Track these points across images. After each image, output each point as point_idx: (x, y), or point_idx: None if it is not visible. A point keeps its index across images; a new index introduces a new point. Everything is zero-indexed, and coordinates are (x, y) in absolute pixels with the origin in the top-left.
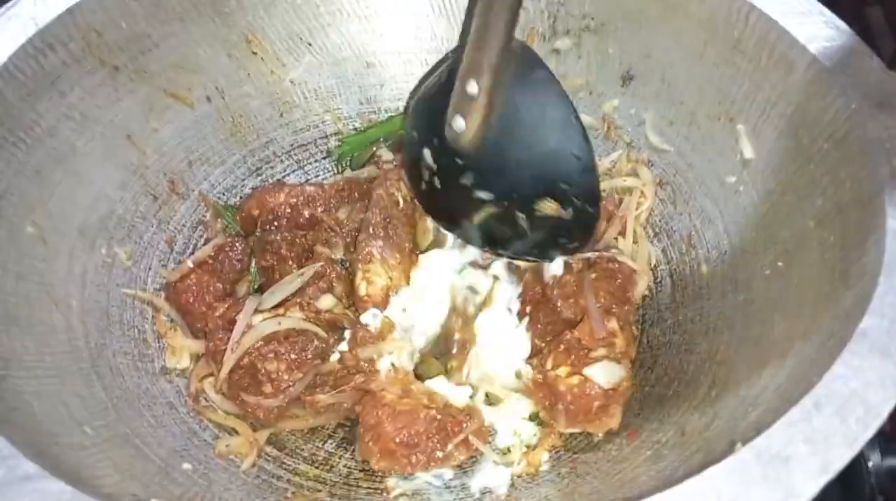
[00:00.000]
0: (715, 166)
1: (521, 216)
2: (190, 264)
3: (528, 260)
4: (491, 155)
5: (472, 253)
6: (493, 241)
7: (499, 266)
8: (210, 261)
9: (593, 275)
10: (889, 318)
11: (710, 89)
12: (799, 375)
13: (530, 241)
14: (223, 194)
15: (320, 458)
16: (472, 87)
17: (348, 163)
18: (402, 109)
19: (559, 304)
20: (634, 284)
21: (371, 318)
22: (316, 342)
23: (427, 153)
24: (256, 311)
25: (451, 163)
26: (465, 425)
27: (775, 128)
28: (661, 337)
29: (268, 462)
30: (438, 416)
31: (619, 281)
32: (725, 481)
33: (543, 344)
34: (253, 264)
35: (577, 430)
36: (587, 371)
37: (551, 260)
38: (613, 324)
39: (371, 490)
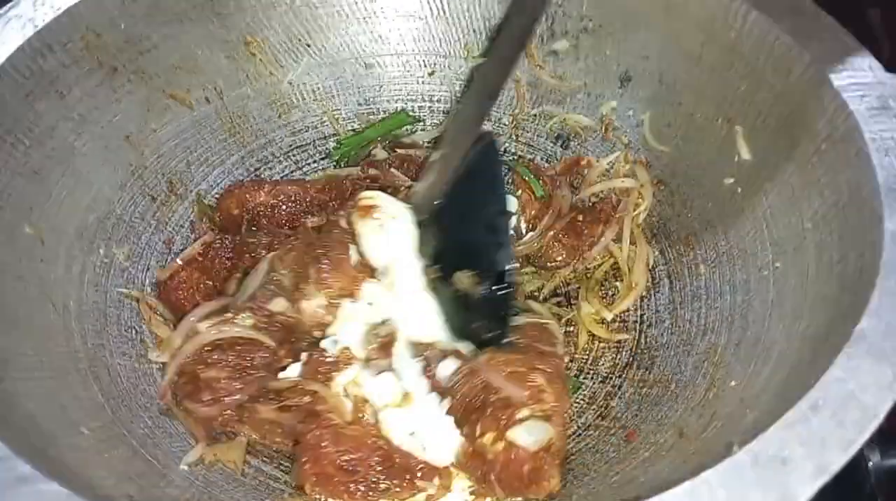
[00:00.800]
0: (712, 167)
1: (447, 287)
2: (179, 262)
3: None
4: (433, 224)
5: None
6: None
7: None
8: (200, 259)
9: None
10: (886, 320)
11: (707, 91)
12: (796, 377)
13: (459, 317)
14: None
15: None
16: (435, 155)
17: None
18: (399, 109)
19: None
20: (555, 339)
21: (331, 345)
22: (262, 353)
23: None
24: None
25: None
26: (416, 465)
27: (773, 129)
28: (659, 338)
29: (265, 463)
30: (385, 446)
31: (529, 340)
32: (722, 483)
33: (472, 413)
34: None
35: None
36: (510, 434)
37: (479, 347)
38: (539, 379)
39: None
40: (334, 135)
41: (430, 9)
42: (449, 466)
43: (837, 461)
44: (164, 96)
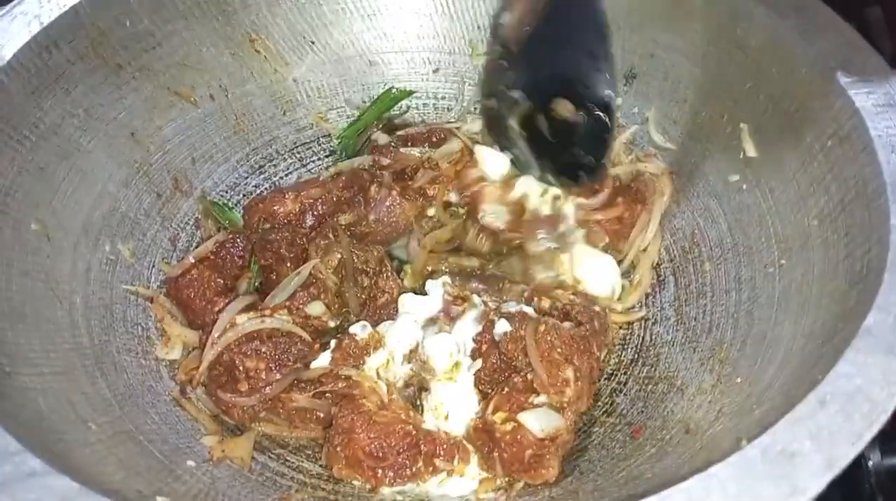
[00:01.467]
0: (718, 164)
1: (542, 119)
2: (191, 259)
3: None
4: (525, 53)
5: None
6: (536, 152)
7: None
8: (211, 257)
9: (566, 324)
10: (894, 316)
11: (713, 88)
12: (803, 372)
13: (554, 152)
14: (226, 192)
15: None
16: None
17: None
18: (404, 107)
19: (508, 355)
20: (604, 338)
21: (360, 329)
22: (300, 345)
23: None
24: (251, 309)
25: (499, 68)
26: (440, 449)
27: (778, 126)
28: (664, 335)
29: (271, 459)
30: (414, 432)
31: (586, 332)
32: (731, 477)
33: (491, 391)
34: (254, 261)
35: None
36: (521, 416)
37: (577, 183)
38: (568, 374)
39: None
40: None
41: (435, 6)
42: (464, 441)
43: (846, 455)
44: (168, 93)
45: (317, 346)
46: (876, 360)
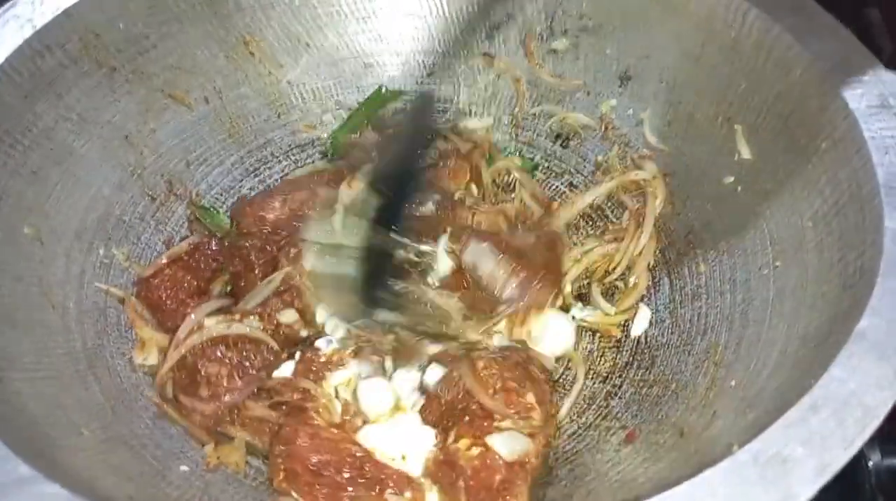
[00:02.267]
0: (713, 166)
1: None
2: (164, 260)
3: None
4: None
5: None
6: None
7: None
8: (185, 258)
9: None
10: (887, 319)
11: (707, 89)
12: (797, 376)
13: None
14: (220, 195)
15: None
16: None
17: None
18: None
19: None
20: (542, 366)
21: (324, 344)
22: (265, 354)
23: None
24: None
25: None
26: (389, 481)
27: (773, 128)
28: (659, 338)
29: (265, 464)
30: (360, 455)
31: (521, 367)
32: (723, 483)
33: (450, 418)
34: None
35: None
36: (489, 439)
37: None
38: (530, 398)
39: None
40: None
41: (429, 8)
42: (421, 478)
43: (838, 460)
44: (162, 96)
45: (284, 355)
46: (869, 365)
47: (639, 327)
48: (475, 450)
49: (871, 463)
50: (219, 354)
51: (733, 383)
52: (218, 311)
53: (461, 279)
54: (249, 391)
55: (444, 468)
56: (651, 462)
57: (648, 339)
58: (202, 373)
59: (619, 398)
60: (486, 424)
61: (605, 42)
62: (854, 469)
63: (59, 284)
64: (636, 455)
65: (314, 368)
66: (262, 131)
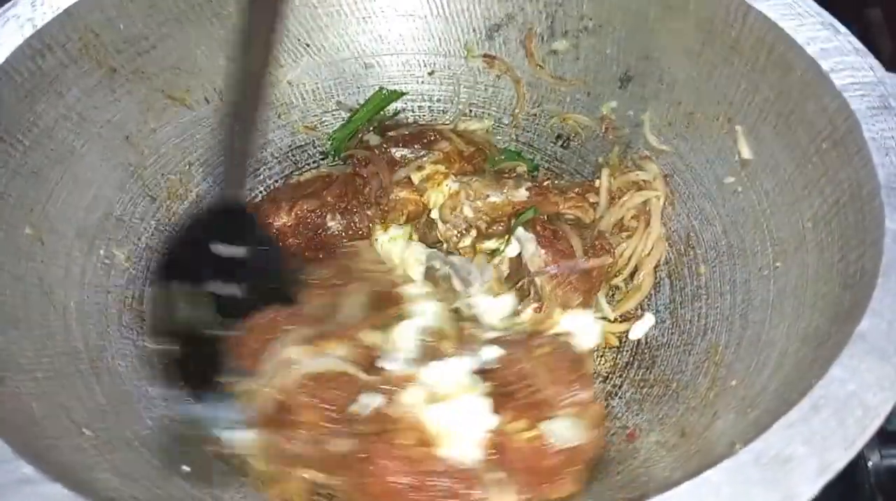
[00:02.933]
0: (713, 167)
1: None
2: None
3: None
4: None
5: None
6: None
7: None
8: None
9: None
10: (888, 320)
11: (707, 90)
12: (797, 376)
13: None
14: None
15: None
16: None
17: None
18: (399, 110)
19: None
20: (583, 364)
21: (392, 364)
22: (352, 387)
23: None
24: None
25: None
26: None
27: (773, 128)
28: (659, 338)
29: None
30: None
31: (576, 360)
32: (724, 482)
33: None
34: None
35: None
36: (543, 425)
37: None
38: (588, 394)
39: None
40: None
41: (430, 8)
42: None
43: (840, 460)
44: (163, 96)
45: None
46: (870, 365)
47: (640, 331)
48: (529, 434)
49: (870, 463)
50: (312, 400)
51: (734, 383)
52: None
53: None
54: (345, 433)
55: (497, 448)
56: (653, 462)
57: (649, 340)
58: (292, 412)
59: (620, 398)
60: (540, 410)
61: (605, 43)
62: (854, 469)
63: (60, 284)
64: (637, 454)
65: (388, 391)
66: (262, 132)
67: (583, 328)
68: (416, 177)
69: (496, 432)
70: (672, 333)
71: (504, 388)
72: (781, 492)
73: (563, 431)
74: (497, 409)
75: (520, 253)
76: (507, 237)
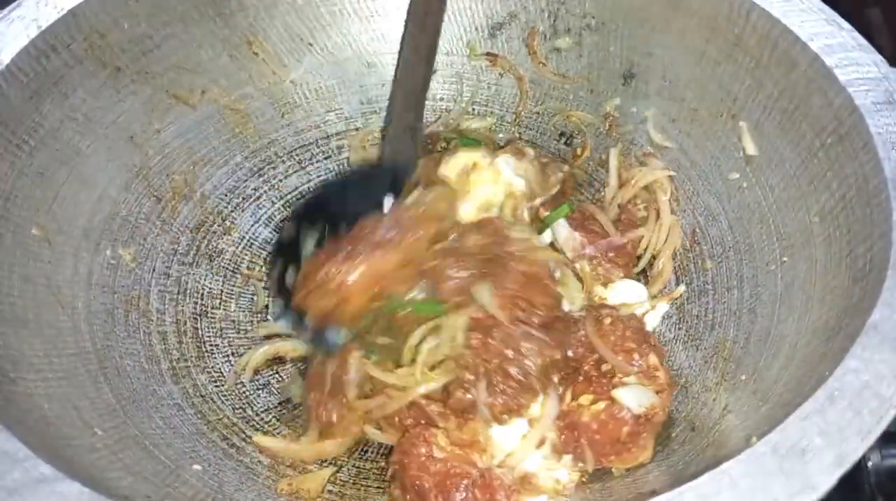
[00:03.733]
0: (718, 163)
1: None
2: None
3: None
4: None
5: None
6: None
7: None
8: None
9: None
10: None
11: (711, 86)
12: (809, 369)
13: None
14: (225, 195)
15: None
16: None
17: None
18: None
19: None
20: (644, 331)
21: None
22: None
23: None
24: None
25: None
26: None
27: (778, 124)
28: (667, 333)
29: (278, 462)
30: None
31: (640, 331)
32: (742, 474)
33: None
34: None
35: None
36: (616, 392)
37: None
38: (654, 359)
39: (380, 490)
40: (337, 134)
41: None
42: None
43: (856, 451)
44: (167, 96)
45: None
46: (883, 356)
47: (652, 322)
48: (599, 405)
49: (870, 463)
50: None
51: (744, 377)
52: None
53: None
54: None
55: (566, 432)
56: (664, 457)
57: (656, 334)
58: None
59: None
60: (605, 381)
61: (608, 40)
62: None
63: (68, 284)
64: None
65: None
66: (266, 131)
67: (634, 296)
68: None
69: (564, 412)
70: (679, 328)
71: (571, 364)
72: (799, 484)
73: (635, 397)
74: (565, 385)
75: (552, 241)
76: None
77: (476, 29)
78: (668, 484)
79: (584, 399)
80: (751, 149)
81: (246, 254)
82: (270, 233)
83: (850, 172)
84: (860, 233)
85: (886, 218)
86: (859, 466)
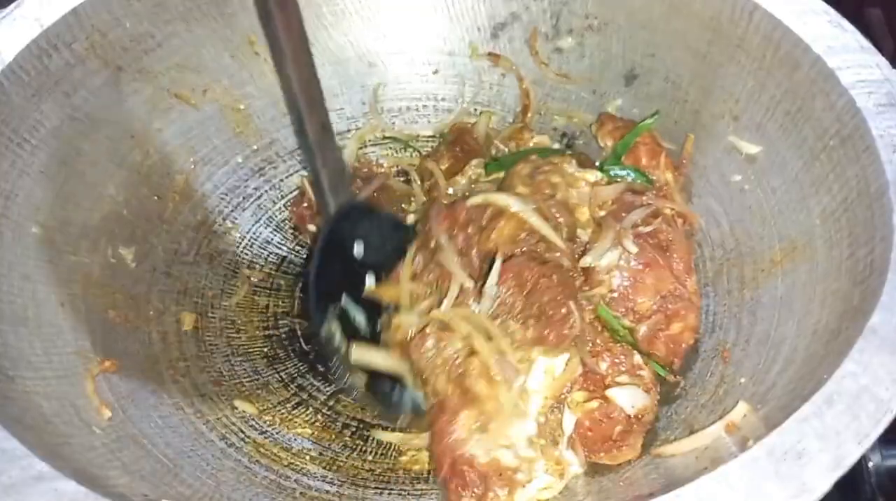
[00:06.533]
0: (719, 165)
1: None
2: None
3: None
4: None
5: None
6: None
7: None
8: None
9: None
10: None
11: (713, 87)
12: (808, 372)
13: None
14: (226, 194)
15: (327, 458)
16: None
17: None
18: (404, 109)
19: None
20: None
21: None
22: None
23: None
24: None
25: None
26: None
27: (780, 125)
28: None
29: (275, 462)
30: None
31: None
32: (739, 477)
33: None
34: None
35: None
36: (610, 392)
37: None
38: (637, 358)
39: (378, 490)
40: (338, 134)
41: (434, 7)
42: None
43: (853, 454)
44: (168, 95)
45: None
46: (881, 360)
47: None
48: (594, 403)
49: (871, 464)
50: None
51: (743, 380)
52: None
53: None
54: None
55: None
56: (662, 459)
57: None
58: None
59: None
60: (598, 379)
61: (610, 41)
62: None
63: (68, 283)
64: (646, 451)
65: None
66: (268, 131)
67: None
68: None
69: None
70: None
71: None
72: (796, 487)
73: (629, 398)
74: None
75: None
76: None
77: (478, 29)
78: (665, 487)
79: (578, 396)
80: (752, 150)
81: (247, 254)
82: (271, 232)
83: (851, 175)
84: (861, 236)
85: (887, 221)
86: (860, 466)
